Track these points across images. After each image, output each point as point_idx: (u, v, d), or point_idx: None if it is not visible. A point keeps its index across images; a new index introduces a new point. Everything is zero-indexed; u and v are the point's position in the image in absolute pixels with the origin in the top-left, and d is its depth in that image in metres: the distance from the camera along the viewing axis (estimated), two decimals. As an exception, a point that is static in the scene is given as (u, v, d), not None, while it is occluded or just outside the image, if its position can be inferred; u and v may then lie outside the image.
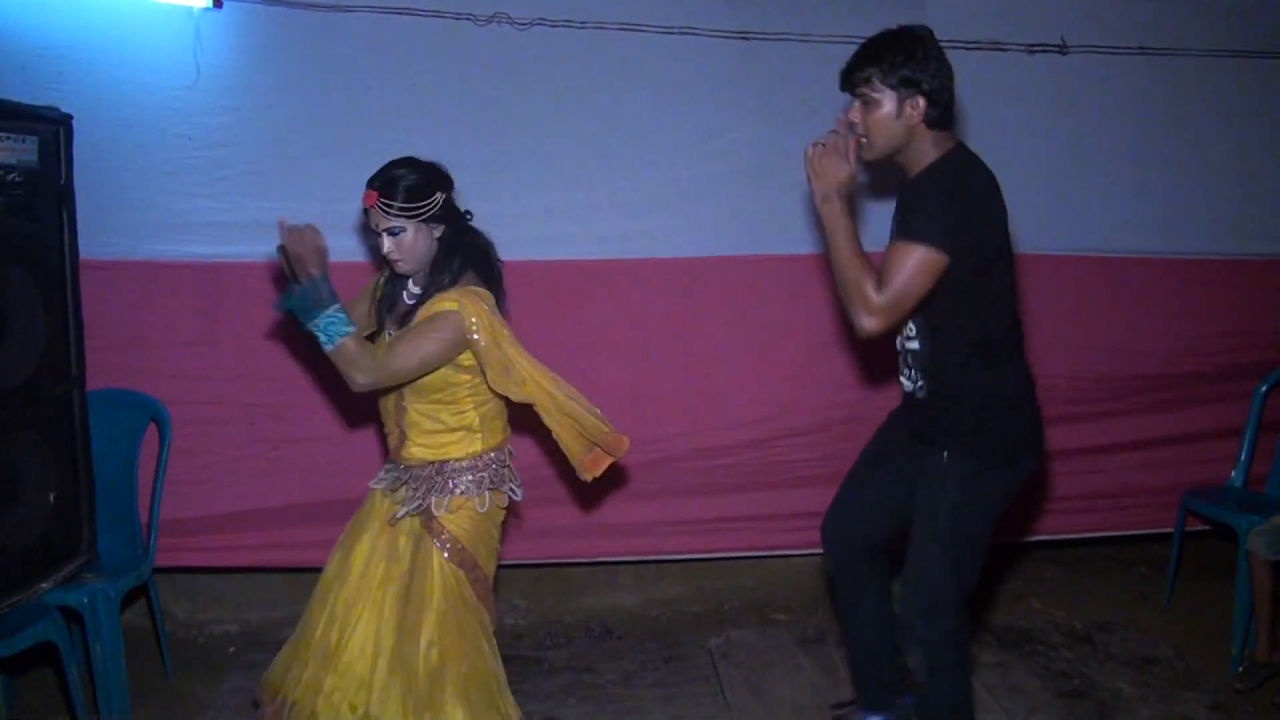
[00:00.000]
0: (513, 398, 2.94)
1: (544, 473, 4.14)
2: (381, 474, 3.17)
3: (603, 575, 4.56)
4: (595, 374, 4.12)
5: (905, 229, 2.78)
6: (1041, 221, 4.35)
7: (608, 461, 3.12)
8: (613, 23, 3.99)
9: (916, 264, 2.72)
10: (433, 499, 2.98)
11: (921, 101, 2.81)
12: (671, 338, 4.22)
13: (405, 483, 3.04)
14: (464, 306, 2.86)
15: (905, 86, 2.80)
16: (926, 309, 2.86)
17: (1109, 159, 4.36)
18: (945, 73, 2.84)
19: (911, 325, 2.95)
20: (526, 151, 4.03)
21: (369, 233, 2.98)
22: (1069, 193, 4.35)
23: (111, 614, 3.48)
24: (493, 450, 3.06)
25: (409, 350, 2.83)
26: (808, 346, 4.27)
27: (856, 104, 2.88)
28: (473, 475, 3.01)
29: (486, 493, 3.02)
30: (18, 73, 3.66)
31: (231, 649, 4.26)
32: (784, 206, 4.18)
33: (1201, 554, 4.75)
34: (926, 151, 2.87)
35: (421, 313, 2.91)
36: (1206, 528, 4.47)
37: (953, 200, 2.79)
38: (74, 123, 3.45)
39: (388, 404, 3.08)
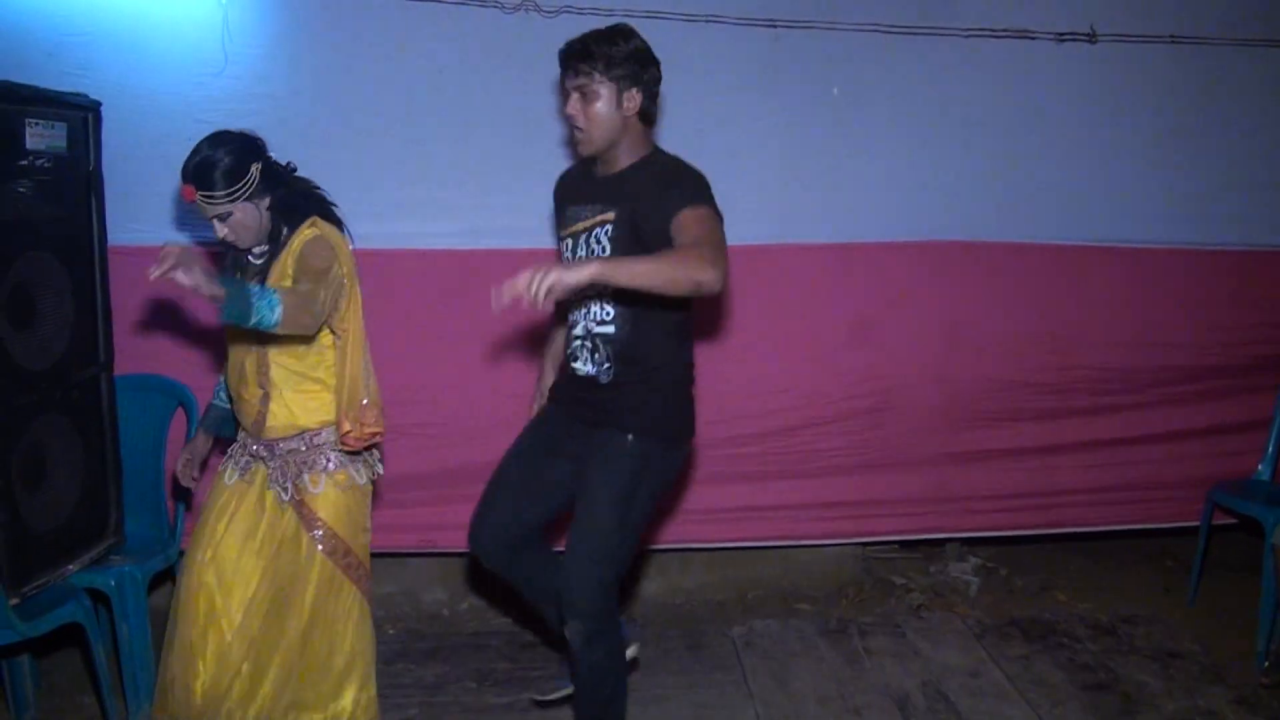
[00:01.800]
0: (335, 327, 2.94)
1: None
2: (230, 463, 3.11)
3: (626, 563, 4.57)
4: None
5: (676, 202, 2.84)
6: (1070, 212, 4.33)
7: (357, 439, 3.00)
8: (639, 10, 3.97)
9: (713, 218, 2.85)
10: (307, 475, 2.97)
11: (638, 94, 2.96)
12: (696, 326, 4.20)
13: (265, 461, 3.02)
14: (325, 230, 2.94)
15: (626, 80, 2.93)
16: (630, 294, 2.85)
17: (1138, 149, 4.33)
18: (657, 69, 3.01)
19: (607, 309, 2.99)
20: (553, 140, 4.02)
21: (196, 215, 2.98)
22: (1098, 183, 4.33)
23: (138, 596, 3.50)
24: None
25: (314, 287, 2.78)
26: (834, 335, 4.26)
27: (575, 97, 2.96)
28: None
29: (361, 465, 3.04)
30: (46, 59, 3.68)
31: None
32: (811, 195, 4.17)
33: (1228, 548, 4.71)
34: (638, 144, 3.02)
35: (284, 257, 2.91)
36: (1233, 521, 4.45)
37: (700, 177, 2.97)
38: (102, 109, 3.47)
39: (247, 362, 2.99)
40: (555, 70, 3.95)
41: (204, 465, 3.35)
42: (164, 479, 3.82)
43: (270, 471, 3.01)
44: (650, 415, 3.01)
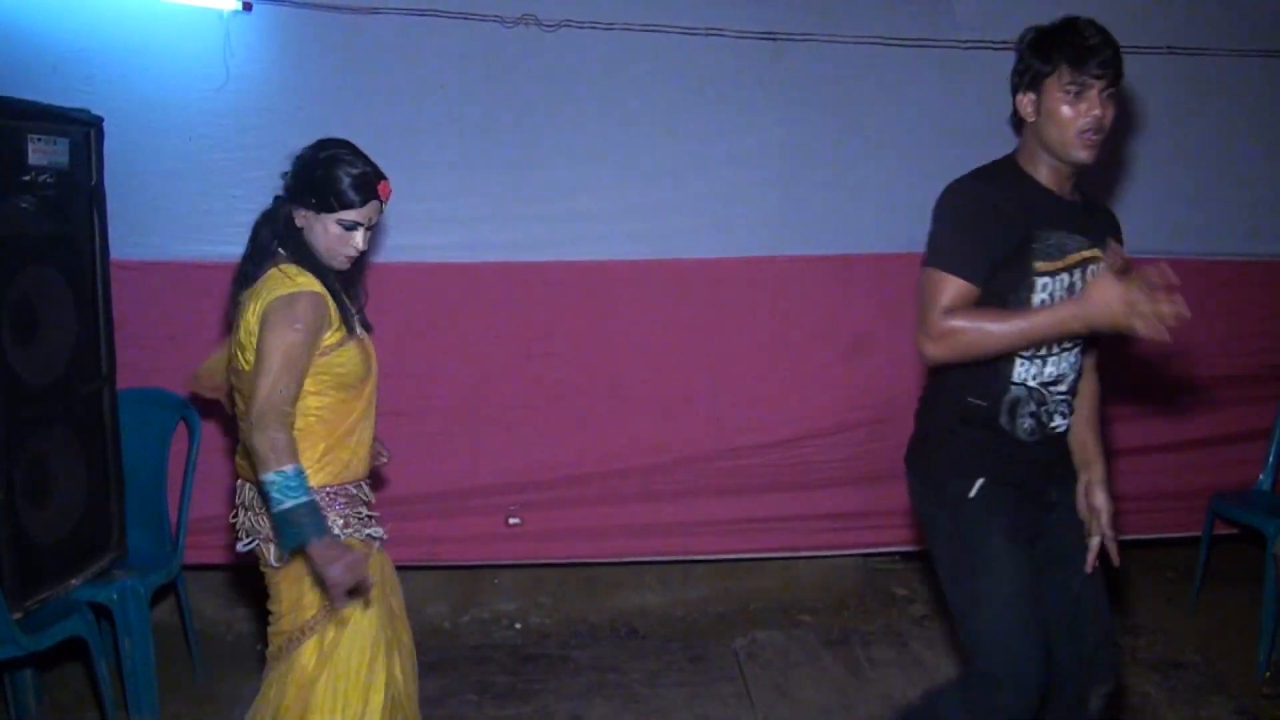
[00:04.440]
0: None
1: (570, 473, 4.15)
2: (358, 523, 2.81)
3: (629, 575, 4.57)
4: (622, 373, 4.15)
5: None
6: (1069, 223, 4.34)
7: None
8: (639, 24, 3.99)
9: None
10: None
11: None
12: (699, 338, 4.22)
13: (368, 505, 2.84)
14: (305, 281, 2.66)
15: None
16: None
17: (1137, 160, 4.33)
18: None
19: (1069, 356, 2.72)
20: (553, 153, 4.04)
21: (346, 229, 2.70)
22: (1096, 193, 4.32)
23: (141, 610, 3.51)
24: None
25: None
26: (835, 347, 4.26)
27: (1105, 98, 2.59)
28: None
29: None
30: (49, 75, 3.69)
31: (259, 646, 4.29)
32: (811, 207, 4.17)
33: (1229, 558, 4.71)
34: None
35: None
36: (1234, 532, 4.45)
37: None
38: (105, 124, 3.49)
39: (357, 408, 2.80)
40: (557, 82, 4.02)
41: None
42: (166, 493, 3.82)
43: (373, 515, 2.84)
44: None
